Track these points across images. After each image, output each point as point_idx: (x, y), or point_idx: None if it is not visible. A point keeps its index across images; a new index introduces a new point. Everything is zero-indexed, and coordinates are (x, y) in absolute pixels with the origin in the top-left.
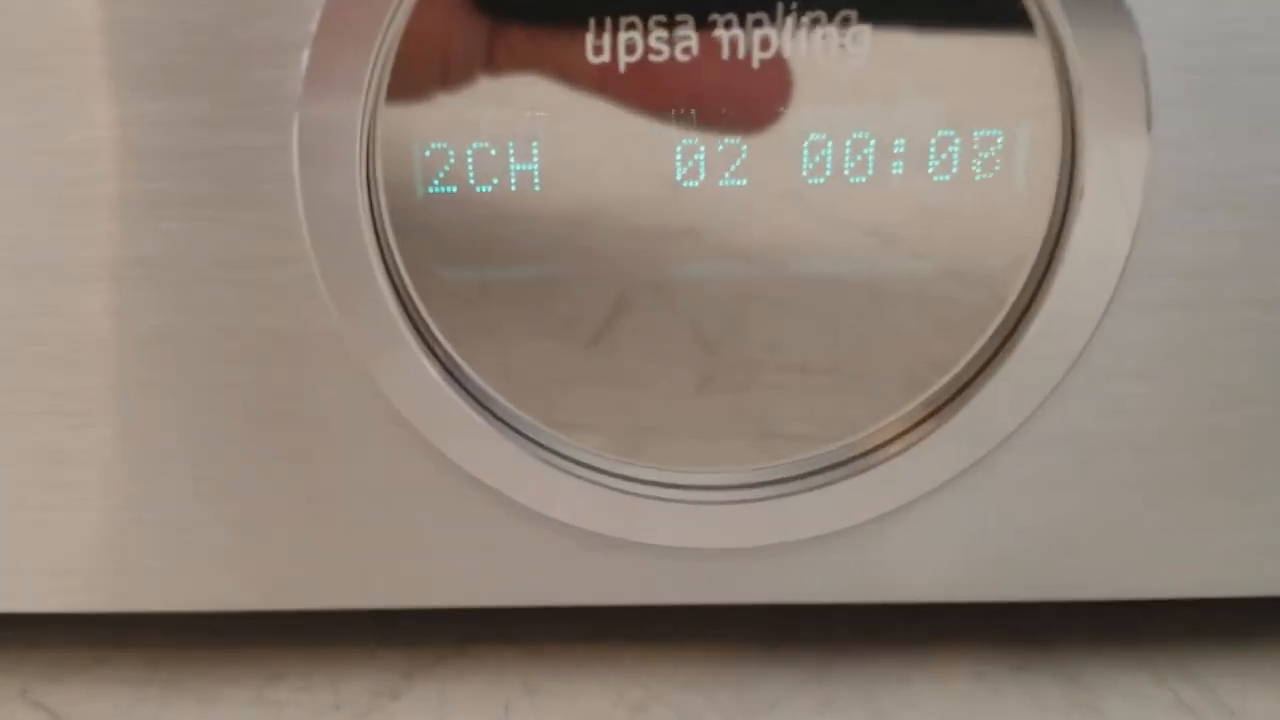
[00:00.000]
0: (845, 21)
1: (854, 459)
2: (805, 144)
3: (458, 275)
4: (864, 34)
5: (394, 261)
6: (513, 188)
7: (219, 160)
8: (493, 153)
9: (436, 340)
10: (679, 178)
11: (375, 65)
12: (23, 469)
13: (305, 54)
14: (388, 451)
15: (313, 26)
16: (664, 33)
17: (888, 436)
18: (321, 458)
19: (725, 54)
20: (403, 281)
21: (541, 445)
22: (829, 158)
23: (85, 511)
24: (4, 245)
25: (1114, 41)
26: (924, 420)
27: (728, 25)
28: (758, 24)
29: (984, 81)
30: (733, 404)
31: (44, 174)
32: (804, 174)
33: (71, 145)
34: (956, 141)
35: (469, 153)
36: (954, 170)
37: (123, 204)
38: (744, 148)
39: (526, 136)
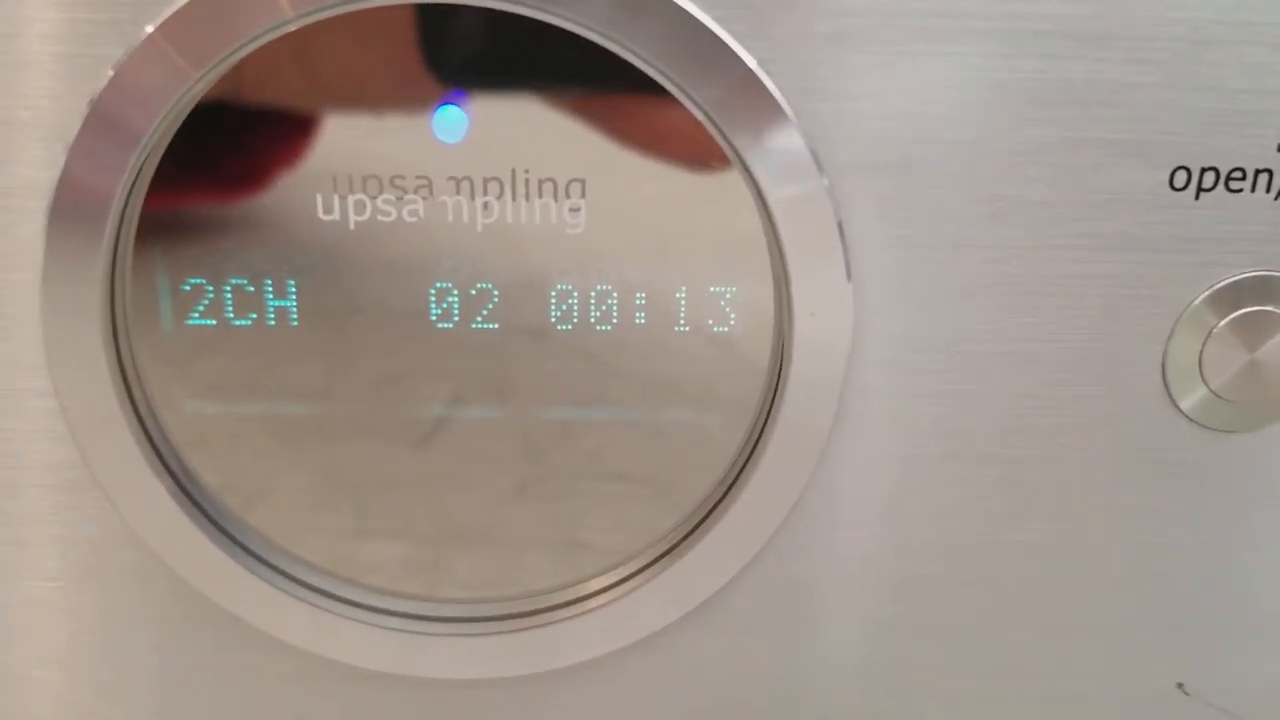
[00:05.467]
0: (569, 194)
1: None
2: (552, 293)
3: (210, 409)
4: (581, 206)
5: (141, 395)
6: (270, 323)
7: None
8: (250, 289)
9: (187, 474)
10: (433, 319)
11: (121, 205)
12: None
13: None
14: (137, 582)
15: (56, 173)
16: (391, 196)
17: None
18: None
19: (450, 219)
20: (150, 414)
21: (279, 571)
22: (575, 306)
23: None
24: None
25: (815, 218)
26: (651, 563)
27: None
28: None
29: (705, 243)
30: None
31: None
32: (552, 320)
33: None
34: (687, 295)
35: (227, 289)
36: (689, 322)
37: None
38: (496, 293)
39: (282, 275)
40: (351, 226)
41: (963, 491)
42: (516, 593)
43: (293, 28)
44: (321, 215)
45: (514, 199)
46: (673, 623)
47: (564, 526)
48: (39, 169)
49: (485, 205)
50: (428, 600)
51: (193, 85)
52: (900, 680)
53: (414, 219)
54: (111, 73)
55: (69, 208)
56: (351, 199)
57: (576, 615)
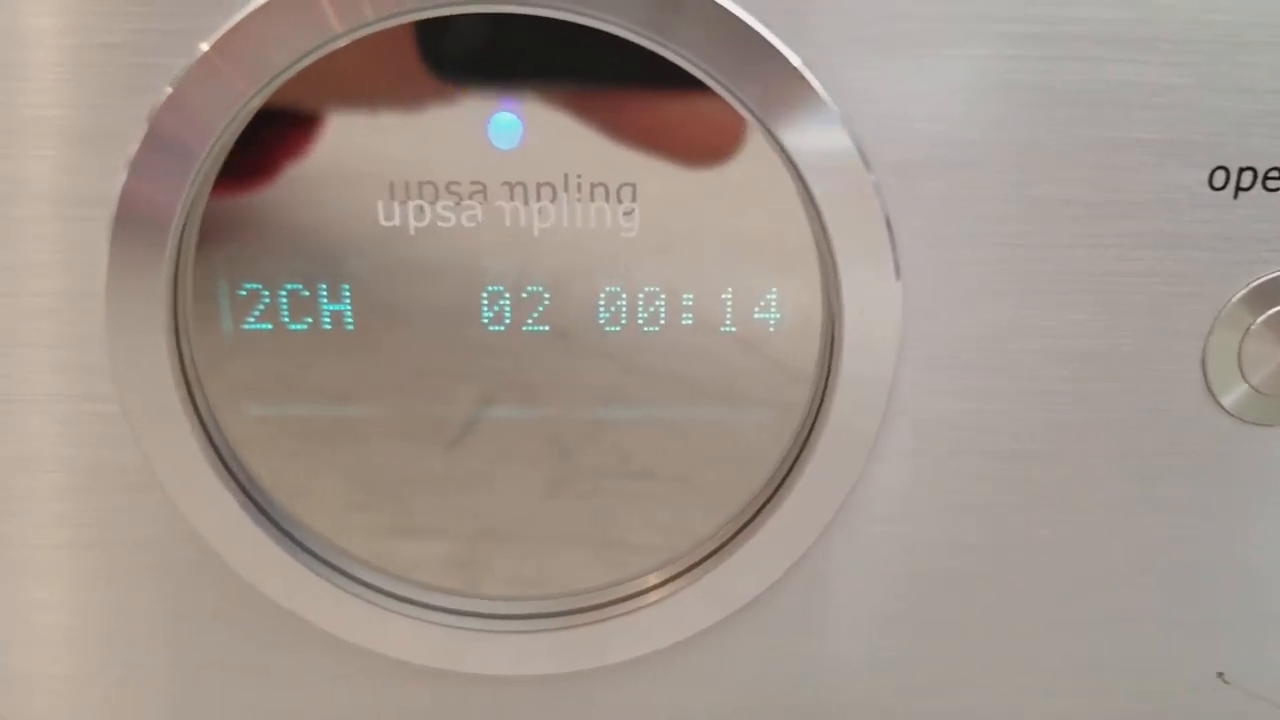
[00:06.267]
0: (620, 199)
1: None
2: (601, 295)
3: (264, 411)
4: (634, 210)
5: (202, 398)
6: (326, 326)
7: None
8: (305, 294)
9: (246, 474)
10: (485, 321)
11: (183, 212)
12: None
13: (114, 205)
14: (194, 581)
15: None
16: (450, 202)
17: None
18: (126, 585)
19: (507, 223)
20: (211, 417)
21: (345, 574)
22: (624, 308)
23: None
24: None
25: (863, 215)
26: (701, 560)
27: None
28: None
29: (753, 244)
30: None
31: None
32: (601, 322)
33: None
34: (734, 296)
35: (282, 293)
36: (735, 323)
37: None
38: (546, 296)
39: (337, 279)
40: (411, 232)
41: (1005, 487)
42: (570, 590)
43: (343, 43)
44: (382, 221)
45: (567, 203)
46: (717, 622)
47: (603, 526)
48: (98, 178)
49: (541, 210)
50: (490, 599)
51: (248, 101)
52: (946, 676)
53: (472, 224)
54: (170, 90)
55: (132, 220)
56: (411, 205)
57: (628, 613)
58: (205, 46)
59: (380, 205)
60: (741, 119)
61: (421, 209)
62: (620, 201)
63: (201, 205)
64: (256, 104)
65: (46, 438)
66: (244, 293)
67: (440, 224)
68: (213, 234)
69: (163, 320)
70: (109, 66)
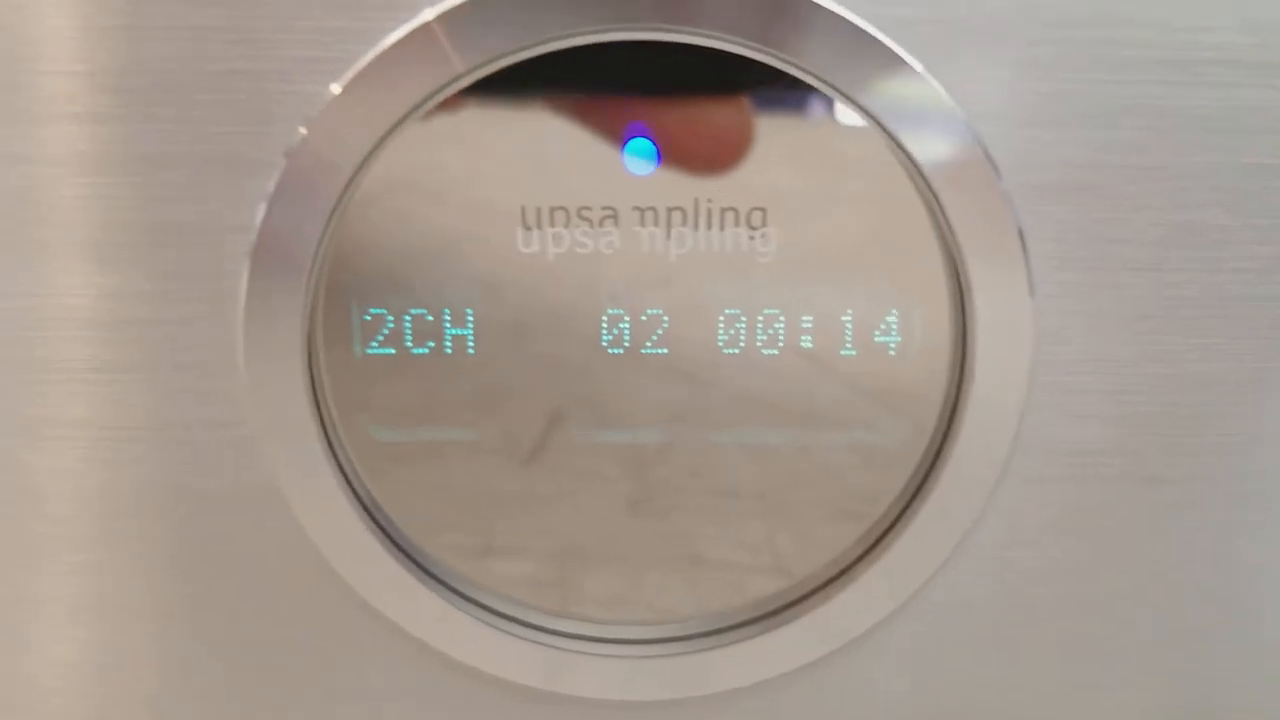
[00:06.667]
0: (749, 222)
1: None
2: (721, 317)
3: (390, 436)
4: (765, 235)
5: (331, 421)
6: (448, 350)
7: (151, 329)
8: (429, 318)
9: (370, 496)
10: (604, 344)
11: (322, 241)
12: None
13: (254, 231)
14: (320, 605)
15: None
16: (588, 228)
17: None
18: (251, 611)
19: (645, 249)
20: (339, 440)
21: (473, 601)
22: (743, 331)
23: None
24: None
25: (997, 233)
26: (834, 578)
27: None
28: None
29: (881, 265)
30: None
31: None
32: (719, 344)
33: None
34: (855, 318)
35: (407, 318)
36: (856, 345)
37: (53, 368)
38: (665, 319)
39: (462, 304)
40: (550, 259)
41: (1133, 511)
42: (740, 607)
43: (466, 83)
44: (521, 248)
45: (697, 228)
46: (842, 646)
47: (748, 548)
48: (232, 207)
49: (679, 236)
50: (628, 625)
51: (381, 140)
52: (1069, 699)
53: (610, 250)
54: (303, 130)
55: (270, 251)
56: (550, 232)
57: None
58: (337, 89)
59: (517, 231)
60: (878, 144)
61: (561, 235)
62: (751, 226)
63: (337, 233)
64: (389, 140)
65: (175, 463)
66: (369, 318)
67: (578, 250)
68: (347, 261)
69: (298, 347)
70: (243, 94)
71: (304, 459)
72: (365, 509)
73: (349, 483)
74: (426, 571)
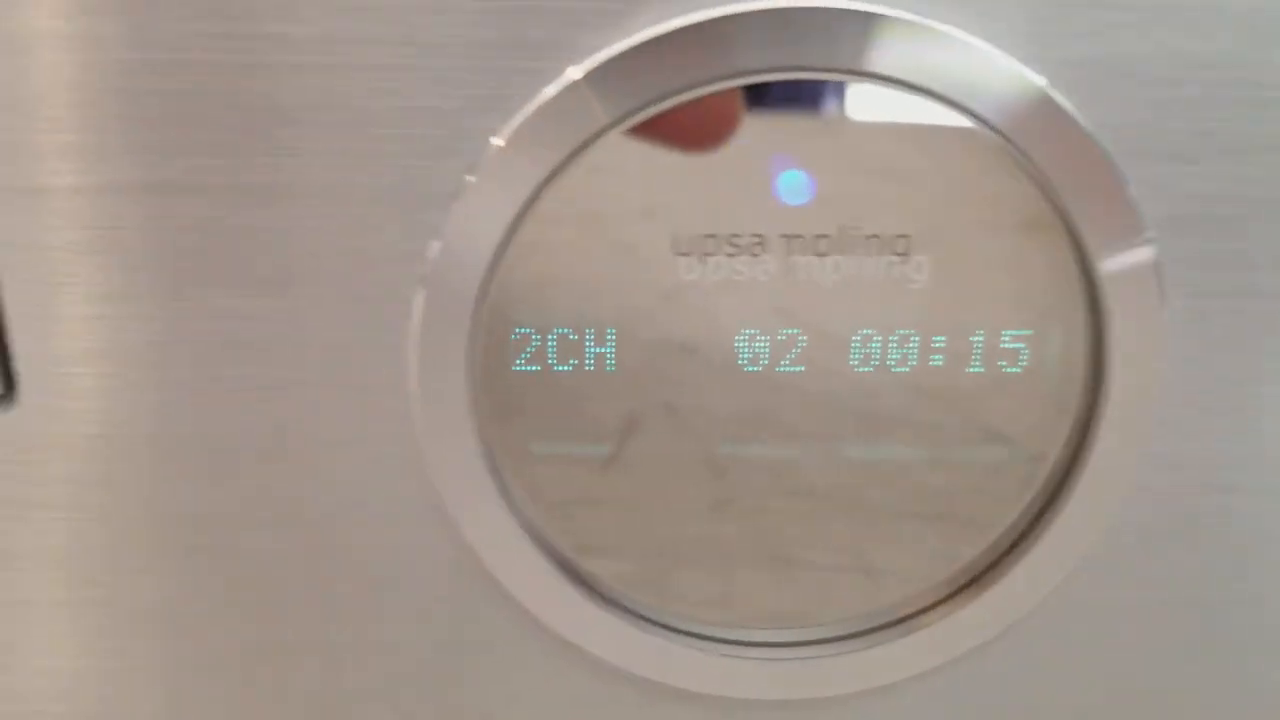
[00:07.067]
0: (895, 249)
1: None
2: (856, 337)
3: (542, 449)
4: (915, 260)
5: (487, 435)
6: (589, 368)
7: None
8: (573, 337)
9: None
10: (741, 362)
11: (488, 275)
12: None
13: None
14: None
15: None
16: (748, 258)
17: (922, 605)
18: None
19: (801, 277)
20: (493, 453)
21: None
22: (876, 351)
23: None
24: None
25: (1136, 263)
26: (961, 589)
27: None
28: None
29: (1017, 286)
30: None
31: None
32: (852, 363)
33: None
34: (987, 339)
35: (551, 337)
36: (985, 364)
37: (240, 387)
38: (802, 337)
39: (604, 325)
40: (709, 285)
41: (1254, 522)
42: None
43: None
44: (683, 275)
45: (844, 255)
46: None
47: (869, 557)
48: (403, 239)
49: (835, 264)
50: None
51: (540, 185)
52: (1199, 704)
53: (765, 277)
54: (470, 179)
55: (443, 281)
56: (710, 260)
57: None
58: (500, 142)
59: (671, 256)
60: (1024, 178)
61: (720, 263)
62: (897, 254)
63: (501, 264)
64: (548, 183)
65: (346, 476)
66: (515, 336)
67: (735, 278)
68: (506, 285)
69: (463, 363)
70: (422, 130)
71: (467, 472)
72: (524, 521)
73: (507, 494)
74: (586, 586)
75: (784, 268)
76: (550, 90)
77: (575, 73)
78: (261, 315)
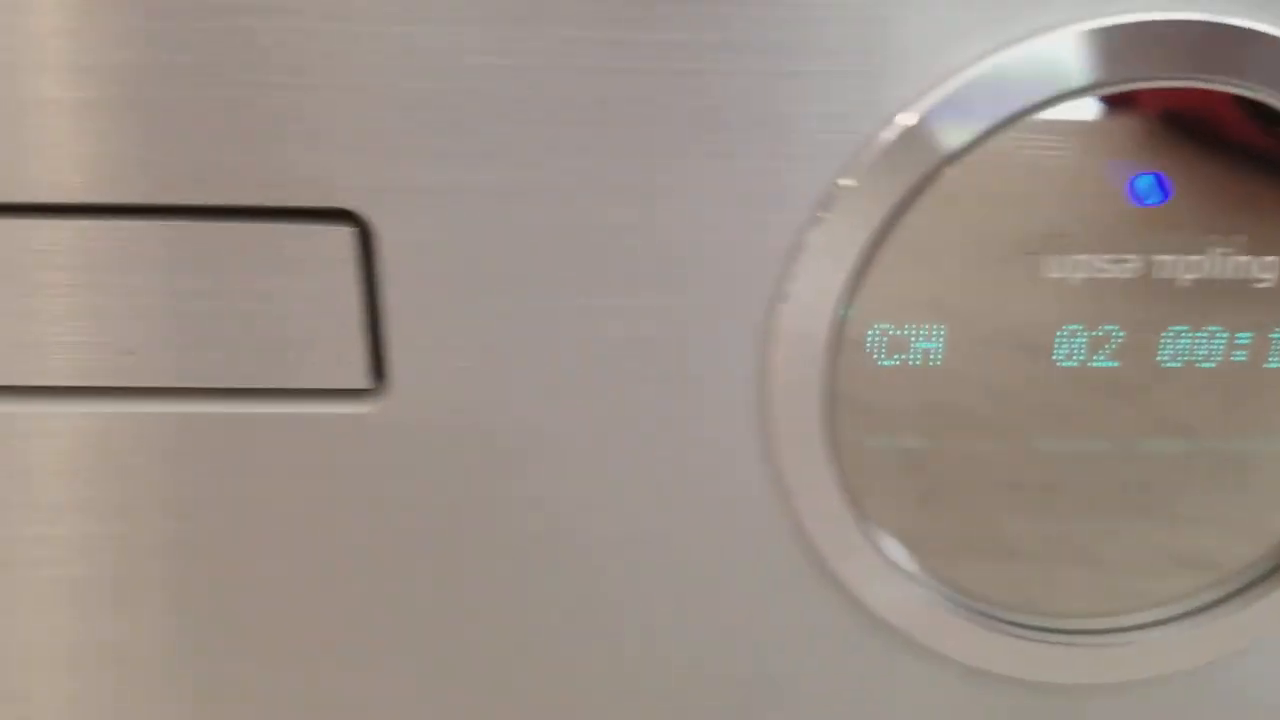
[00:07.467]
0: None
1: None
2: (1166, 333)
3: (879, 443)
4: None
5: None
6: (914, 363)
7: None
8: (898, 333)
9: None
10: (1057, 358)
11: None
12: None
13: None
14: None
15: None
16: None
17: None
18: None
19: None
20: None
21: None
22: (1185, 346)
23: None
24: None
25: None
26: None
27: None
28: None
29: None
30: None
31: None
32: (1159, 360)
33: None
34: None
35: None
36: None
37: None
38: (1119, 334)
39: (934, 323)
40: (1073, 285)
41: None
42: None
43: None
44: (1049, 273)
45: (1192, 254)
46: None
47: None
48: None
49: (1194, 263)
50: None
51: (893, 211)
52: None
53: (1127, 275)
54: (821, 215)
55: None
56: (1071, 260)
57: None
58: (850, 182)
59: (1032, 257)
60: None
61: (1082, 262)
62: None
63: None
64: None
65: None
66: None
67: (1098, 275)
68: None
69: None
70: (784, 134)
71: (808, 462)
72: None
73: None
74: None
75: (1143, 266)
76: (888, 134)
77: (909, 118)
78: (601, 314)
